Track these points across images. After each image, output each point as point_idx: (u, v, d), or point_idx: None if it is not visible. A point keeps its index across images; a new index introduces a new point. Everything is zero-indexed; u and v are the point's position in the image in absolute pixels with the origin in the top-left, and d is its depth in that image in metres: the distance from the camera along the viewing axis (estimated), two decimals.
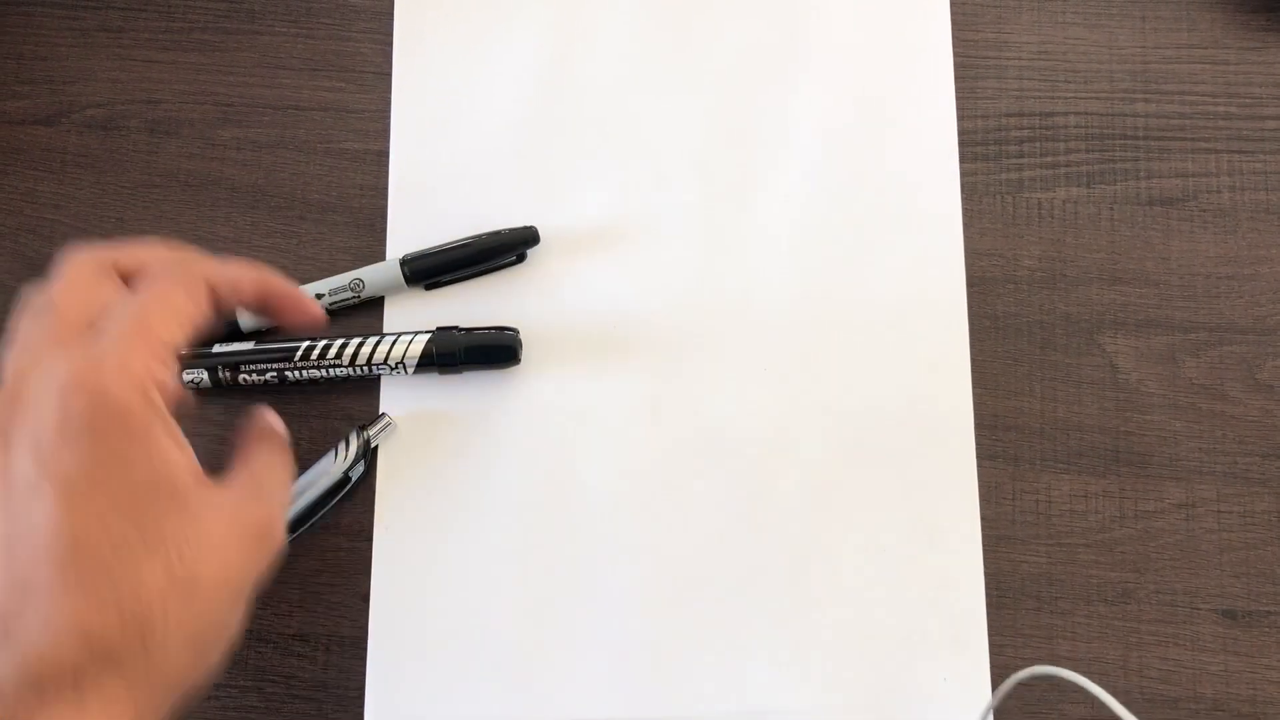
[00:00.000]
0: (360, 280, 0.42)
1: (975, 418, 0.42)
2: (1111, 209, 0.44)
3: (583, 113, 0.44)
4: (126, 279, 0.31)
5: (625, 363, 0.42)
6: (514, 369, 0.42)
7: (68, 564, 0.26)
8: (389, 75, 0.44)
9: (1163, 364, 0.42)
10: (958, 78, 0.44)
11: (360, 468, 0.40)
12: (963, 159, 0.44)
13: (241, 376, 0.41)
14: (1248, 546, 0.41)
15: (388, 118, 0.44)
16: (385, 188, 0.43)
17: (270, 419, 0.35)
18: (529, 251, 0.43)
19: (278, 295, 0.34)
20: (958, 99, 0.44)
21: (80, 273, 0.30)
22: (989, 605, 0.40)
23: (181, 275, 0.31)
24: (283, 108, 0.44)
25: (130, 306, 0.29)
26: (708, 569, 0.40)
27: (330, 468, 0.40)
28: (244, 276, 0.33)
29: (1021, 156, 0.44)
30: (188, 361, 0.41)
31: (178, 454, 0.28)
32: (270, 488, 0.32)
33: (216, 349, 0.41)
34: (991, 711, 0.39)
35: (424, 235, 0.43)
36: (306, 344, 0.41)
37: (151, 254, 0.32)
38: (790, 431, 0.41)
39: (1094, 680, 0.33)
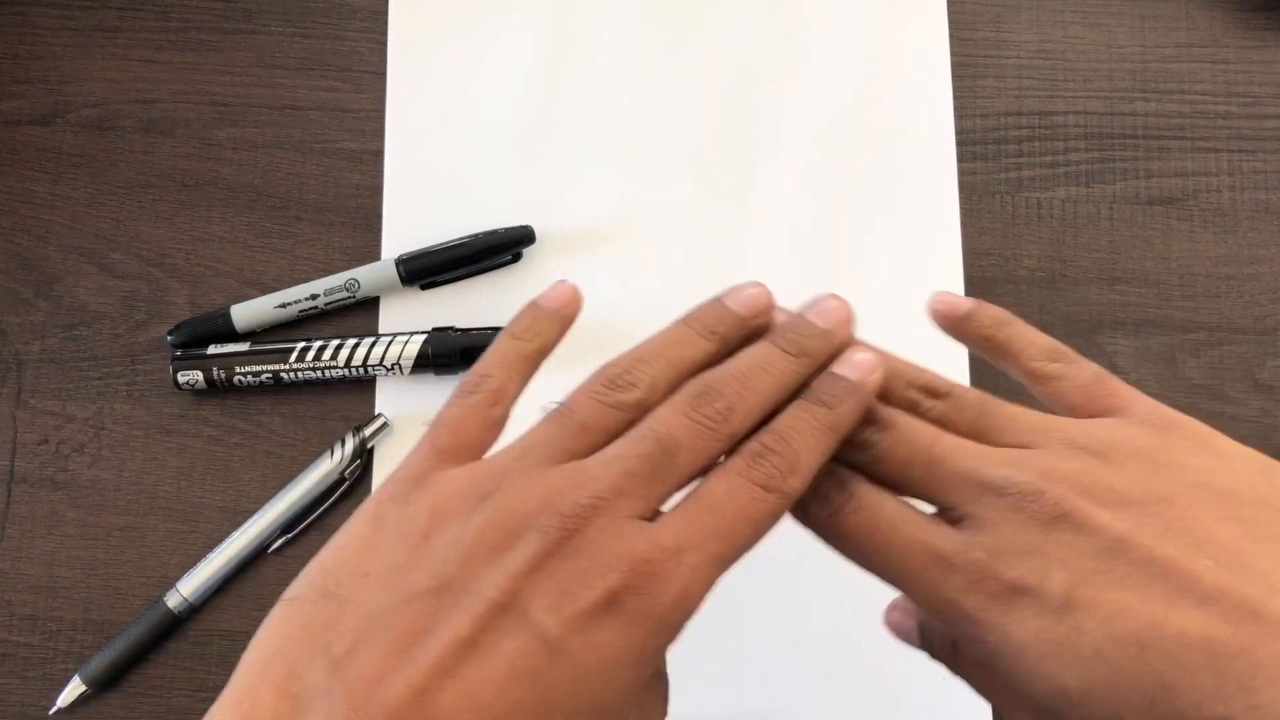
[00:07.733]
0: (356, 280, 0.41)
1: None
2: (1111, 209, 0.43)
3: (578, 112, 0.44)
4: None
5: None
6: None
7: None
8: (385, 75, 0.44)
9: (1163, 364, 0.42)
10: (956, 77, 0.44)
11: (356, 469, 0.40)
12: (961, 158, 0.44)
13: (237, 377, 0.40)
14: None
15: (384, 117, 0.44)
16: (381, 187, 0.43)
17: None
18: (525, 251, 0.42)
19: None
20: (956, 98, 0.44)
21: None
22: None
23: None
24: (279, 107, 0.44)
25: None
26: None
27: (326, 469, 0.40)
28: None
29: (1020, 156, 0.44)
30: (185, 363, 0.41)
31: None
32: None
33: (212, 350, 0.41)
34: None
35: (420, 235, 0.42)
36: (302, 345, 0.40)
37: None
38: None
39: None
